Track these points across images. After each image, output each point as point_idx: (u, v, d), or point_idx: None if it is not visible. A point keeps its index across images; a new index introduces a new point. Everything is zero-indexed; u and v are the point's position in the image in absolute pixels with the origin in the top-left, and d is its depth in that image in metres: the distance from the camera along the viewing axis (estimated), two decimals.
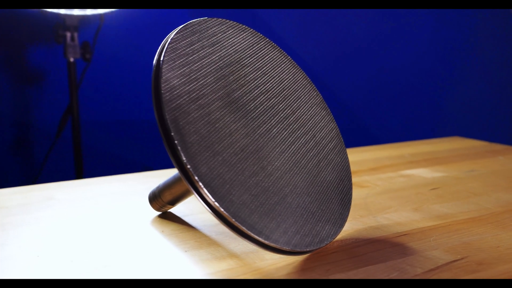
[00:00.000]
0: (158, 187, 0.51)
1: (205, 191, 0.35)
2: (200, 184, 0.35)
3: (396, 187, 0.61)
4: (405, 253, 0.41)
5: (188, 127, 0.36)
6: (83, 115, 1.25)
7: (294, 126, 0.46)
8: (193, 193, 0.36)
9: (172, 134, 0.35)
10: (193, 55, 0.41)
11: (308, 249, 0.38)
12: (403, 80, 1.56)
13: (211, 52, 0.43)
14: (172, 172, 0.62)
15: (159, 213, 0.52)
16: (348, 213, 0.44)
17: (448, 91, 1.59)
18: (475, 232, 0.46)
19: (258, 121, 0.42)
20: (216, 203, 0.35)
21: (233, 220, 0.35)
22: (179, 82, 0.38)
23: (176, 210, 0.53)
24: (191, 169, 0.35)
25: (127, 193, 0.60)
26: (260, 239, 0.36)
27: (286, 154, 0.43)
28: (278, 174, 0.40)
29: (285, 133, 0.44)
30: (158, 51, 0.39)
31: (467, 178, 0.66)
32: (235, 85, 0.43)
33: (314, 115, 0.49)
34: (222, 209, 0.35)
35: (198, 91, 0.39)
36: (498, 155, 0.80)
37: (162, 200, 0.51)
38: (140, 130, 1.39)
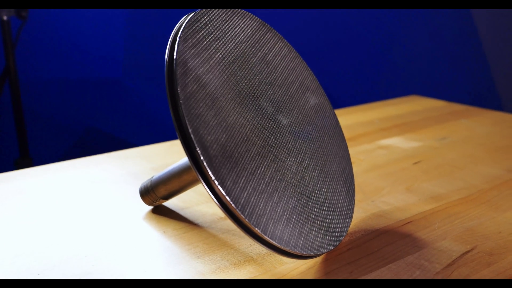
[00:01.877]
0: (151, 182, 0.49)
1: (237, 212, 0.33)
2: (231, 203, 0.33)
3: (380, 162, 0.62)
4: (417, 246, 0.42)
5: (208, 138, 0.34)
6: (22, 76, 1.15)
7: (298, 116, 0.44)
8: (216, 204, 0.34)
9: (198, 150, 0.33)
10: (202, 54, 0.38)
11: (328, 250, 0.38)
12: (351, 40, 1.56)
13: (217, 48, 0.40)
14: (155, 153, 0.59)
15: (151, 207, 0.50)
16: (354, 202, 0.44)
17: (396, 51, 1.61)
18: (473, 216, 0.47)
19: (266, 117, 0.40)
20: (247, 221, 0.33)
21: (268, 238, 0.34)
22: (194, 88, 0.35)
23: (170, 203, 0.51)
24: (219, 187, 0.33)
25: (106, 181, 0.56)
26: (289, 250, 0.35)
27: (294, 150, 0.41)
28: (291, 174, 0.39)
29: (291, 126, 0.43)
30: (167, 58, 0.35)
31: (443, 148, 0.67)
32: (242, 82, 0.40)
33: (315, 103, 0.47)
34: (257, 229, 0.33)
35: (212, 95, 0.36)
36: (460, 118, 0.83)
37: (155, 195, 0.48)
38: (83, 89, 1.31)
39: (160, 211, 0.49)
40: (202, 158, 0.33)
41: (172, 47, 0.36)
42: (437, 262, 0.39)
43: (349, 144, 0.69)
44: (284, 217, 0.36)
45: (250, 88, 0.40)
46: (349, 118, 0.82)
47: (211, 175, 0.33)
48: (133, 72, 1.27)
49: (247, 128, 0.38)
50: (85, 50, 1.25)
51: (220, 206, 0.33)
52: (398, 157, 0.64)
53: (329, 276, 0.38)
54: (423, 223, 0.46)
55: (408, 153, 0.66)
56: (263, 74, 0.43)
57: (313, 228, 0.38)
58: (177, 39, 0.37)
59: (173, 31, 0.38)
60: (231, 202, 0.33)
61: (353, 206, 0.44)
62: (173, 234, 0.45)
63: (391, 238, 0.43)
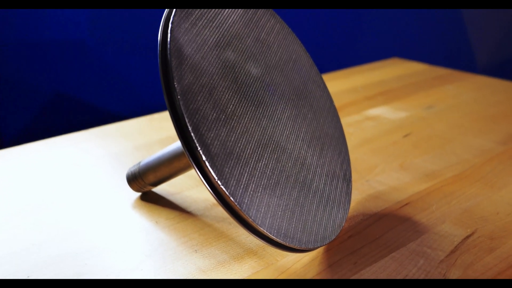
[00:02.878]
0: (138, 168, 0.46)
1: (242, 213, 0.31)
2: (236, 205, 0.31)
3: (370, 136, 0.61)
4: (418, 231, 0.41)
5: (209, 134, 0.32)
6: None
7: (295, 99, 0.42)
8: (220, 204, 0.32)
9: (200, 150, 0.30)
10: (196, 40, 0.35)
11: (331, 240, 0.37)
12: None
13: (211, 31, 0.37)
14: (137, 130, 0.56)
15: (139, 193, 0.48)
16: (351, 186, 0.43)
17: (374, 14, 1.57)
18: (469, 195, 0.47)
19: (263, 104, 0.38)
20: (255, 223, 0.32)
21: (279, 239, 0.32)
22: (191, 79, 0.33)
23: (159, 188, 0.49)
24: (223, 188, 0.31)
25: (87, 164, 0.54)
26: (296, 246, 0.34)
27: (293, 136, 0.40)
28: (291, 163, 0.38)
29: (287, 110, 0.41)
30: (161, 48, 0.32)
31: (431, 118, 0.67)
32: (238, 67, 0.38)
33: (309, 83, 0.45)
34: (266, 231, 0.32)
35: (209, 85, 0.34)
36: (445, 83, 0.82)
37: (143, 182, 0.46)
38: (50, 52, 1.25)
39: (150, 198, 0.47)
40: (204, 158, 0.31)
41: (165, 34, 0.33)
42: (440, 249, 0.39)
43: None
44: (288, 212, 0.35)
45: (246, 73, 0.38)
46: (332, 85, 0.80)
47: (214, 176, 0.31)
48: (101, 34, 1.21)
49: (246, 119, 0.36)
50: (51, 10, 1.18)
51: (224, 207, 0.32)
52: (387, 129, 0.63)
53: (333, 268, 0.37)
54: (421, 204, 0.45)
55: (396, 124, 0.65)
56: (258, 55, 0.40)
57: (316, 219, 0.37)
58: (170, 25, 0.34)
59: (164, 16, 0.35)
60: (236, 204, 0.31)
61: (351, 190, 0.43)
62: (166, 225, 0.43)
63: (391, 222, 0.43)
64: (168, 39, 0.32)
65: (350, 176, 0.44)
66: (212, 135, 0.32)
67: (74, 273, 0.37)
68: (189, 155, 0.31)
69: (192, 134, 0.31)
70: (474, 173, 0.51)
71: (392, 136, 0.61)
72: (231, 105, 0.35)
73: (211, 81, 0.34)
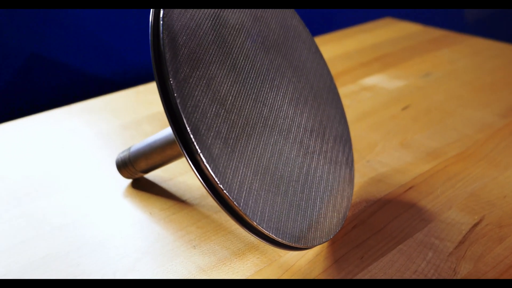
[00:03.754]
0: (129, 154, 0.44)
1: (247, 218, 0.29)
2: (241, 210, 0.29)
3: (367, 108, 0.59)
4: (424, 219, 0.40)
5: (209, 134, 0.29)
6: None
7: (295, 82, 0.40)
8: (223, 210, 0.30)
9: (200, 154, 0.28)
10: (190, 25, 0.32)
11: (336, 232, 0.35)
12: None
13: (205, 13, 0.33)
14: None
15: (130, 180, 0.45)
16: (354, 170, 0.41)
17: None
18: (474, 176, 0.45)
19: (262, 90, 0.36)
20: (262, 228, 0.30)
21: (287, 241, 0.30)
22: (187, 72, 0.30)
23: (151, 174, 0.46)
24: (227, 193, 0.29)
25: (73, 144, 0.51)
26: (302, 246, 0.32)
27: (295, 124, 0.37)
28: (293, 155, 0.35)
29: (288, 95, 0.38)
30: (152, 37, 0.29)
31: (428, 88, 0.64)
32: (235, 50, 0.35)
33: (307, 62, 0.42)
34: (273, 235, 0.30)
35: (207, 76, 0.31)
36: (440, 47, 0.79)
37: (134, 169, 0.44)
38: (23, 12, 1.18)
39: (141, 185, 0.45)
40: (205, 162, 0.28)
41: (156, 21, 0.30)
42: (448, 240, 0.38)
43: None
44: (293, 210, 0.33)
45: (244, 56, 0.35)
46: (326, 50, 0.77)
47: (217, 181, 0.28)
48: None
49: (246, 110, 0.33)
50: None
51: (227, 212, 0.29)
52: (385, 100, 0.61)
53: (339, 264, 0.36)
54: (425, 188, 0.44)
55: (394, 95, 0.62)
56: (256, 36, 0.37)
57: (321, 212, 0.35)
58: (161, 11, 0.30)
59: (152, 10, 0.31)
60: (240, 209, 0.29)
61: (353, 176, 0.41)
62: (161, 216, 0.41)
63: (396, 209, 0.41)
64: (161, 28, 0.29)
65: (353, 161, 0.42)
66: (212, 134, 0.29)
67: (67, 273, 0.35)
68: (189, 158, 0.29)
69: (192, 136, 0.28)
70: (477, 151, 0.49)
71: (391, 109, 0.59)
72: (231, 96, 0.32)
73: (208, 72, 0.31)
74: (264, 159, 0.32)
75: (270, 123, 0.35)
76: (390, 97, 0.62)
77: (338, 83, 0.66)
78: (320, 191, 0.36)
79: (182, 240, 0.38)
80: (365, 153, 0.49)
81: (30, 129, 0.54)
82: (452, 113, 0.57)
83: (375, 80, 0.67)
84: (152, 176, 0.46)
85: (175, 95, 0.28)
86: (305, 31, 0.44)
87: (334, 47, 0.79)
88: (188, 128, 0.28)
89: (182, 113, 0.28)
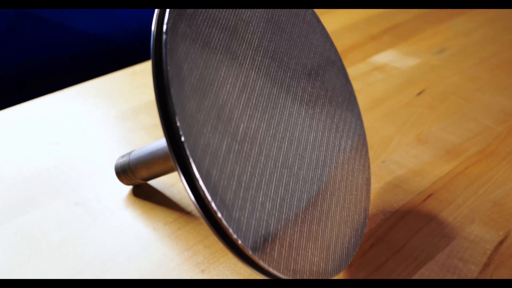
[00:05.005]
0: (129, 161, 0.41)
1: (263, 265, 0.27)
2: (259, 260, 0.26)
3: (379, 94, 0.55)
4: (446, 235, 0.37)
5: (221, 176, 0.26)
6: None
7: (311, 90, 0.36)
8: (234, 256, 0.27)
9: (212, 203, 0.25)
10: (196, 44, 0.28)
11: (354, 256, 0.33)
12: None
13: (212, 25, 0.29)
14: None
15: (129, 186, 0.43)
16: (370, 176, 0.39)
17: None
18: (497, 181, 0.43)
19: (275, 106, 0.32)
20: (279, 274, 0.27)
21: (306, 277, 0.28)
22: (195, 105, 0.26)
23: (153, 180, 0.43)
24: (243, 245, 0.26)
25: (64, 141, 0.47)
26: (325, 277, 0.30)
27: (309, 145, 0.34)
28: (311, 175, 0.32)
29: (304, 115, 0.35)
30: (154, 65, 0.25)
31: (443, 67, 0.60)
32: (246, 64, 0.31)
33: (327, 66, 0.39)
34: (291, 277, 0.27)
35: (217, 104, 0.27)
36: (453, 15, 0.75)
37: (134, 176, 0.41)
38: None
39: (143, 193, 0.42)
40: (219, 215, 0.25)
41: (158, 48, 0.26)
42: (472, 261, 0.35)
43: None
44: (311, 243, 0.30)
45: (256, 71, 0.31)
46: (331, 21, 0.72)
47: (232, 233, 0.25)
48: None
49: (259, 137, 0.30)
50: None
51: (240, 258, 0.27)
52: (398, 83, 0.57)
53: None
54: (445, 195, 0.41)
55: (407, 76, 0.59)
56: (267, 41, 0.33)
57: (339, 235, 0.32)
58: (165, 26, 0.26)
59: (156, 14, 0.27)
60: (257, 259, 0.26)
61: (370, 185, 0.38)
62: (166, 232, 0.38)
63: (415, 223, 0.39)
64: (164, 57, 0.25)
65: (369, 167, 0.39)
66: (225, 175, 0.26)
67: None
68: (198, 206, 0.26)
69: (203, 186, 0.25)
70: (499, 148, 0.47)
71: (405, 94, 0.55)
72: (242, 123, 0.29)
73: (218, 99, 0.28)
74: (280, 192, 0.29)
75: (285, 147, 0.31)
76: (403, 79, 0.58)
77: (346, 62, 0.61)
78: (338, 211, 0.33)
79: (189, 262, 0.36)
80: (380, 151, 0.46)
81: (14, 121, 0.51)
82: (469, 98, 0.54)
83: (386, 57, 0.63)
84: (154, 181, 0.43)
85: (183, 140, 0.25)
86: (317, 22, 0.40)
87: (340, 18, 0.74)
88: (199, 178, 0.24)
89: (192, 161, 0.24)
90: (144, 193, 0.42)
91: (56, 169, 0.44)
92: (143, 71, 0.60)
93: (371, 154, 0.46)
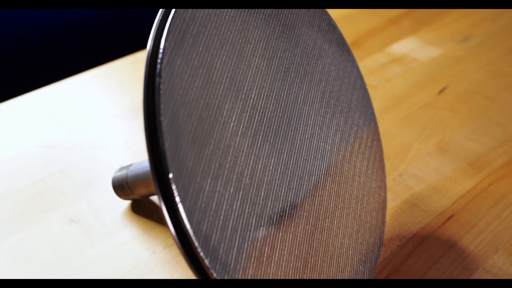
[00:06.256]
0: (127, 177, 0.38)
1: None
2: None
3: (397, 92, 0.51)
4: (466, 267, 0.35)
5: (221, 237, 0.23)
6: None
7: (324, 112, 0.33)
8: None
9: (212, 271, 0.22)
10: (194, 83, 0.24)
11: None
12: None
13: (213, 53, 0.26)
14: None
15: (127, 201, 0.40)
16: (386, 196, 0.36)
17: None
18: None
19: (284, 141, 0.29)
20: None
21: None
22: (194, 158, 0.23)
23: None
24: None
25: (61, 145, 0.45)
26: None
27: (321, 179, 0.31)
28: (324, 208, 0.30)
29: (320, 135, 0.32)
30: (146, 105, 0.22)
31: (467, 59, 0.56)
32: (251, 98, 0.27)
33: (343, 74, 0.35)
34: None
35: (219, 149, 0.24)
36: None
37: (132, 192, 0.38)
38: None
39: (142, 209, 0.39)
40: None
41: (151, 79, 0.23)
42: None
43: (355, 53, 0.57)
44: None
45: (262, 110, 0.28)
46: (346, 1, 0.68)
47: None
48: None
49: (265, 183, 0.27)
50: None
51: None
52: (418, 79, 0.53)
53: None
54: (467, 217, 0.38)
55: (428, 70, 0.54)
56: (276, 61, 0.30)
57: (353, 263, 0.30)
58: (158, 66, 0.23)
59: (149, 50, 0.24)
60: None
61: (386, 206, 0.36)
62: (166, 259, 0.36)
63: (434, 250, 0.36)
64: (157, 106, 0.22)
65: (385, 186, 0.36)
66: (226, 235, 0.23)
67: None
68: (196, 271, 0.23)
69: (202, 253, 0.22)
70: None
71: (425, 93, 0.51)
72: (247, 168, 0.26)
73: (220, 144, 0.25)
74: (287, 242, 0.27)
75: (295, 185, 0.29)
76: (423, 73, 0.54)
77: (362, 52, 0.57)
78: (352, 239, 0.31)
79: None
80: (397, 162, 0.43)
81: (6, 119, 0.48)
82: (495, 99, 0.50)
83: (406, 47, 0.58)
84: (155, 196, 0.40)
85: (179, 202, 0.22)
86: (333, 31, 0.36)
87: None
88: (197, 246, 0.22)
89: (190, 228, 0.22)
90: (144, 209, 0.39)
91: (51, 179, 0.42)
92: (144, 60, 0.56)
93: (387, 164, 0.43)
